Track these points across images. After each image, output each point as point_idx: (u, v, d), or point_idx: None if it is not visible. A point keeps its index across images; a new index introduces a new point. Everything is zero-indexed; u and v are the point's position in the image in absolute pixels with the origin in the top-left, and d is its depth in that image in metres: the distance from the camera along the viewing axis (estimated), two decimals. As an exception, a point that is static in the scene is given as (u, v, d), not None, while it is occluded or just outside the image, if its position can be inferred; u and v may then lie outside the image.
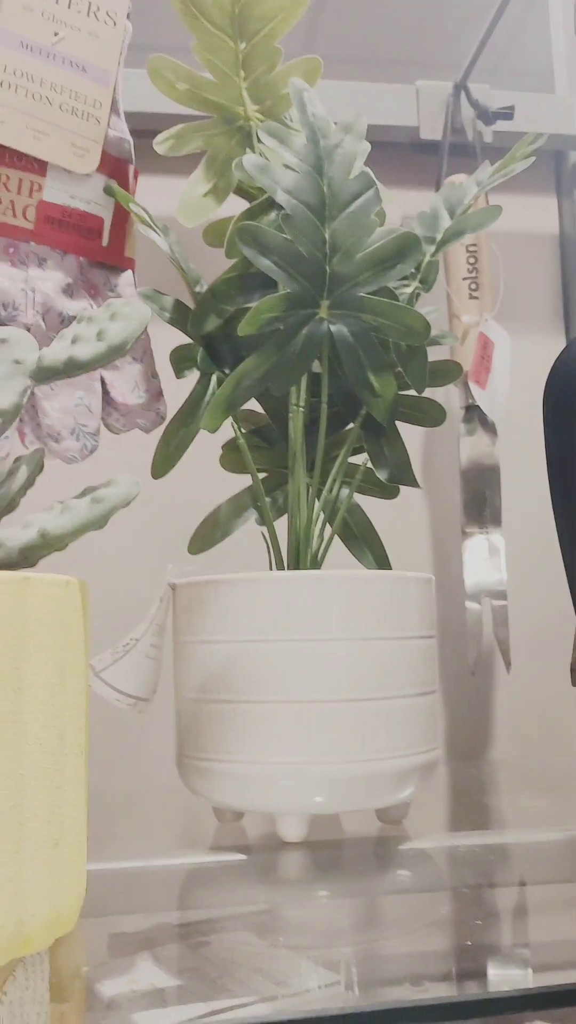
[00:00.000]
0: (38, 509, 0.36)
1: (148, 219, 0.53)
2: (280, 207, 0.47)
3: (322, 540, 0.52)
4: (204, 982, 0.37)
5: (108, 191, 0.55)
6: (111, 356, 0.36)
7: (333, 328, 0.48)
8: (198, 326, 0.52)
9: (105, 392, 0.56)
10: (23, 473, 0.37)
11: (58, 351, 0.36)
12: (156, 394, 0.57)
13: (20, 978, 0.31)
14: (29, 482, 0.38)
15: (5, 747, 0.29)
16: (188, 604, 0.50)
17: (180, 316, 0.53)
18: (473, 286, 0.69)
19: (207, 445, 0.56)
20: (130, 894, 0.46)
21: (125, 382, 0.56)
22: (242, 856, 0.49)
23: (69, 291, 0.55)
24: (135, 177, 0.58)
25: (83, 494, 0.35)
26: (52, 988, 0.33)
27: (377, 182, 0.47)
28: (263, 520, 0.53)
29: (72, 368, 0.36)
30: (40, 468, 0.39)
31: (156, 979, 0.38)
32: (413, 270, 0.48)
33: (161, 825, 0.61)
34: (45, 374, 0.36)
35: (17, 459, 0.38)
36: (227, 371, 0.53)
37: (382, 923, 0.43)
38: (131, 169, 0.57)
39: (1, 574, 0.30)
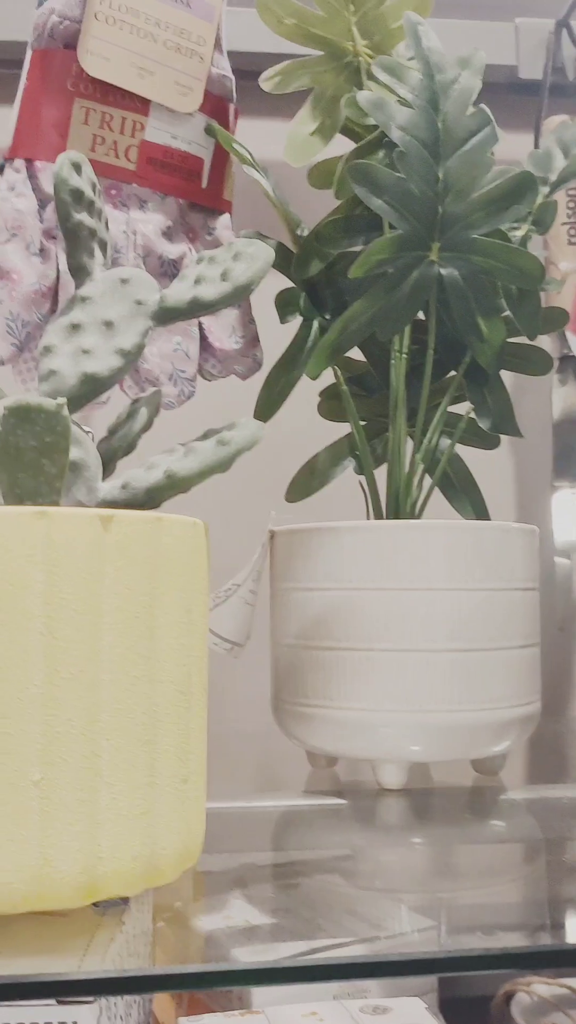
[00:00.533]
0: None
1: (251, 159, 0.52)
2: (393, 144, 0.45)
3: (420, 490, 0.52)
4: (299, 921, 0.38)
5: (210, 131, 0.54)
6: (236, 297, 0.35)
7: (443, 271, 0.47)
8: (301, 270, 0.51)
9: (202, 337, 0.55)
10: (143, 414, 0.37)
11: (181, 291, 0.36)
12: (253, 340, 0.56)
13: (133, 910, 0.32)
14: (148, 424, 0.38)
15: (141, 684, 0.29)
16: (288, 551, 0.50)
17: (283, 260, 0.52)
18: (573, 232, 0.67)
19: (303, 392, 0.55)
20: (224, 834, 0.47)
21: (222, 327, 0.55)
22: (339, 800, 0.50)
23: (169, 234, 0.54)
24: (235, 117, 0.57)
25: (205, 436, 0.35)
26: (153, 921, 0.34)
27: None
28: (362, 469, 0.52)
29: (196, 309, 0.36)
30: (158, 410, 0.39)
31: (251, 916, 0.39)
32: (527, 212, 0.47)
33: (252, 768, 0.62)
34: (167, 315, 0.36)
35: (136, 400, 0.38)
36: (328, 316, 0.52)
37: (477, 871, 0.43)
38: (231, 108, 0.56)
39: (136, 513, 0.30)
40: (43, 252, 0.51)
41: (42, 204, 0.52)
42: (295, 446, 0.58)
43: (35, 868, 0.27)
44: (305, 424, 0.57)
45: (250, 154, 0.53)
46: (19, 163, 0.53)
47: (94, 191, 0.37)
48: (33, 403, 0.30)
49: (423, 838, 0.46)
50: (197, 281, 0.36)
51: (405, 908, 0.40)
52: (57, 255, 0.51)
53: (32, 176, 0.53)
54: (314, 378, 0.49)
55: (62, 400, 0.30)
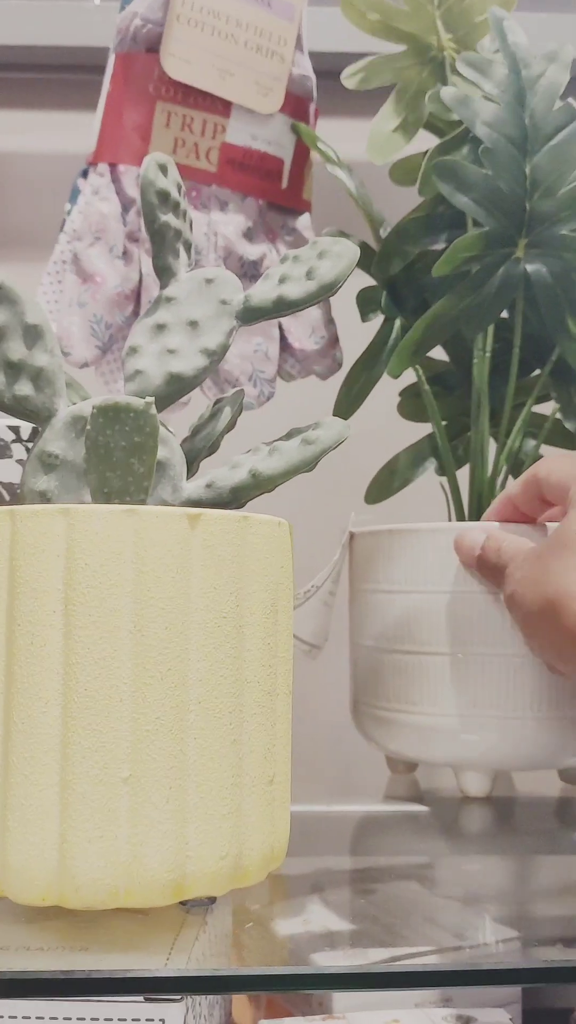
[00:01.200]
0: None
1: (335, 157, 0.52)
2: (478, 141, 0.45)
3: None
4: (378, 927, 0.37)
5: (295, 129, 0.54)
6: (321, 295, 0.35)
7: (530, 268, 0.46)
8: (383, 268, 0.51)
9: (282, 338, 0.55)
10: (226, 414, 0.37)
11: (266, 290, 0.36)
12: (333, 340, 0.56)
13: (215, 910, 0.32)
14: (231, 424, 0.38)
15: (228, 683, 0.29)
16: (368, 553, 0.49)
17: (364, 258, 0.51)
18: None
19: (382, 391, 0.55)
20: (303, 838, 0.47)
21: (302, 327, 0.55)
22: (419, 807, 0.49)
23: (249, 235, 0.54)
24: (315, 117, 0.57)
25: (289, 436, 0.35)
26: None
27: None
28: (443, 470, 0.52)
29: (281, 308, 0.35)
30: (240, 410, 0.38)
31: (329, 922, 0.38)
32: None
33: (331, 771, 0.62)
34: (252, 314, 0.36)
35: (218, 400, 0.38)
36: (410, 315, 0.52)
37: (561, 883, 0.42)
38: (312, 108, 0.56)
39: (223, 512, 0.30)
40: (126, 255, 0.52)
41: (125, 208, 0.53)
42: (373, 447, 0.57)
43: (125, 865, 0.27)
44: (384, 424, 0.57)
45: (335, 153, 0.53)
46: (103, 167, 0.53)
47: (179, 192, 0.38)
48: (122, 403, 0.30)
49: (505, 848, 0.45)
50: (282, 280, 0.36)
51: (487, 918, 0.39)
52: (140, 258, 0.52)
53: (115, 180, 0.53)
54: (396, 377, 0.49)
55: (150, 399, 0.30)
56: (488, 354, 0.49)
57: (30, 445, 0.44)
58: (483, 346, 0.49)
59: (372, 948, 0.46)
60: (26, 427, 0.42)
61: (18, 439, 0.43)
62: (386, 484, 0.54)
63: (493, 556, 0.43)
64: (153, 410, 0.30)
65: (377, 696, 0.48)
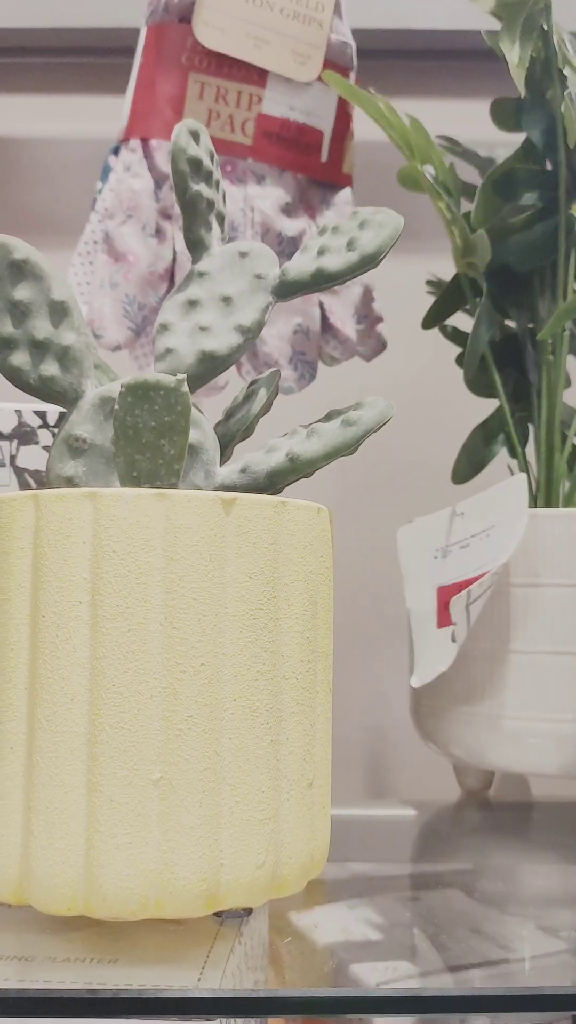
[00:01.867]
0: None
1: (382, 109, 0.49)
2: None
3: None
4: (420, 938, 0.35)
5: (330, 80, 0.50)
6: (363, 266, 0.33)
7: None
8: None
9: (323, 319, 0.53)
10: (261, 396, 0.35)
11: (304, 263, 0.34)
12: (376, 320, 0.54)
13: (251, 920, 0.30)
14: (267, 406, 0.36)
15: (265, 679, 0.27)
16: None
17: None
18: None
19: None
20: (344, 842, 0.45)
21: (345, 308, 0.53)
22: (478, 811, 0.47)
23: (288, 210, 0.52)
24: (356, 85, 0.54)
25: (328, 417, 0.33)
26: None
27: None
28: (512, 451, 0.49)
29: (320, 281, 0.33)
30: (276, 392, 0.36)
31: (370, 932, 0.36)
32: None
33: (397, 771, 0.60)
34: (289, 289, 0.34)
35: (254, 381, 0.36)
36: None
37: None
38: (352, 77, 0.54)
39: (259, 497, 0.28)
40: (159, 233, 0.50)
41: (158, 184, 0.51)
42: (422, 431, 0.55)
43: (156, 873, 0.25)
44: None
45: (384, 102, 0.50)
46: (135, 143, 0.52)
47: (212, 161, 0.36)
48: (151, 380, 0.29)
49: (560, 856, 0.43)
50: (321, 252, 0.34)
51: (531, 929, 0.37)
52: (174, 236, 0.50)
53: (147, 156, 0.51)
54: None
55: (182, 376, 0.28)
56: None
57: (57, 430, 0.43)
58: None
59: (413, 962, 0.44)
60: (53, 412, 0.41)
61: (44, 425, 0.41)
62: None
63: None
64: (185, 388, 0.28)
65: (440, 696, 0.45)
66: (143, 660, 0.26)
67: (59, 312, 0.32)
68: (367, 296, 0.54)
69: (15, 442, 0.40)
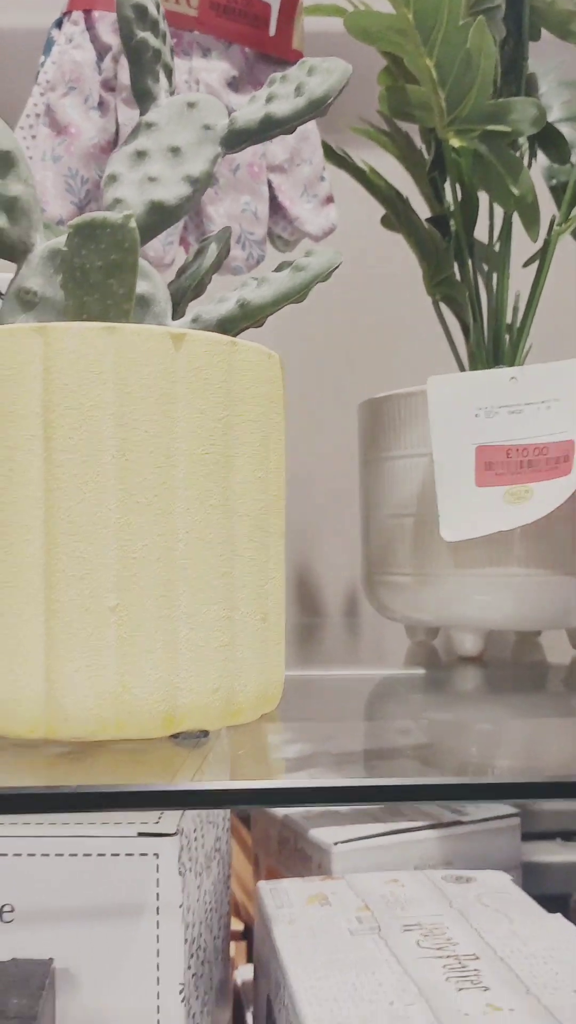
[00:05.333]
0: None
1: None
2: None
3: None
4: (378, 764, 0.36)
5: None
6: (310, 111, 0.33)
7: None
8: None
9: (272, 198, 0.53)
10: (212, 251, 0.35)
11: (252, 111, 0.33)
12: (326, 198, 0.54)
13: (211, 755, 0.31)
14: (218, 263, 0.36)
15: (217, 514, 0.28)
16: (380, 419, 0.48)
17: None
18: None
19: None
20: (295, 700, 0.46)
21: (293, 186, 0.53)
22: (421, 670, 0.48)
23: (235, 84, 0.51)
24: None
25: (280, 268, 0.33)
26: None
27: None
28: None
29: (268, 127, 0.33)
30: (228, 249, 0.36)
31: (328, 761, 0.38)
32: None
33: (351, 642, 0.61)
34: (238, 138, 0.34)
35: (205, 238, 0.36)
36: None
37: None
38: (299, -53, 0.52)
39: (210, 334, 0.29)
40: (102, 105, 0.49)
41: (100, 56, 0.49)
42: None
43: (115, 695, 0.26)
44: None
45: None
46: (77, 15, 0.50)
47: (158, 11, 0.35)
48: (98, 218, 0.28)
49: (504, 711, 0.45)
50: (268, 99, 0.33)
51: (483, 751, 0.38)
52: (116, 108, 0.49)
53: (90, 27, 0.50)
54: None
55: (129, 213, 0.28)
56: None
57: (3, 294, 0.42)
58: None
59: (369, 823, 0.45)
60: (3, 280, 0.40)
61: (-6, 290, 0.40)
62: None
63: None
64: (132, 224, 0.28)
65: (393, 564, 0.47)
66: (97, 491, 0.26)
67: (5, 163, 0.31)
68: (316, 173, 0.53)
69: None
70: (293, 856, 0.47)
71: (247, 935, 0.52)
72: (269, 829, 0.50)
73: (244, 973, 0.49)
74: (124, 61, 0.49)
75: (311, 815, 0.49)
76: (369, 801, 0.25)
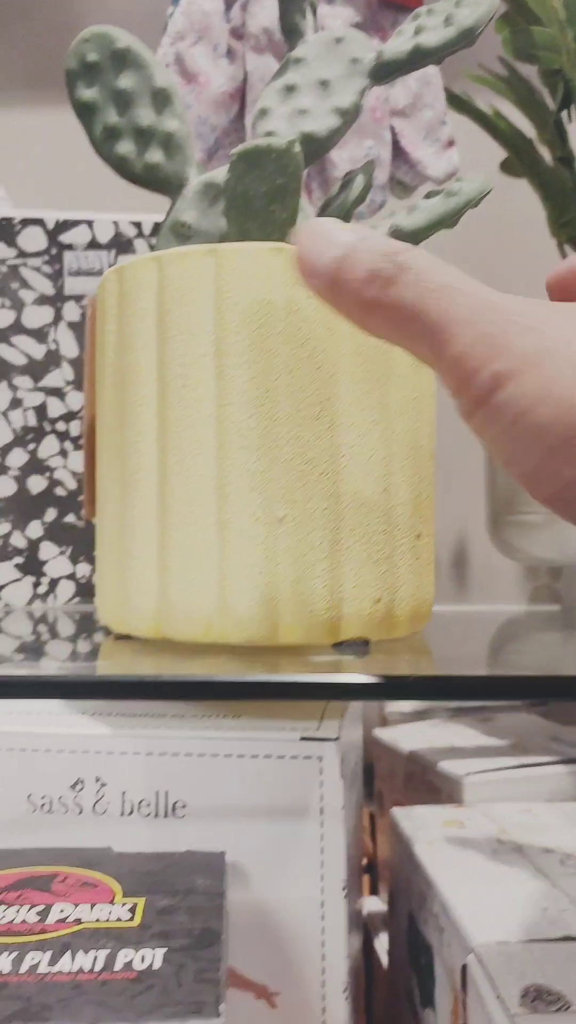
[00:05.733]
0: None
1: None
2: None
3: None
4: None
5: None
6: (460, 41, 0.33)
7: None
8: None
9: (394, 142, 0.53)
10: (359, 183, 0.36)
11: (400, 43, 0.34)
12: (447, 143, 0.54)
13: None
14: (363, 195, 0.36)
15: (378, 429, 0.29)
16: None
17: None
18: None
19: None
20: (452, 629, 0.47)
21: (415, 130, 0.53)
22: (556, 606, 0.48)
23: (358, 30, 0.52)
24: None
25: (429, 195, 0.33)
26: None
27: None
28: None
29: (417, 58, 0.33)
30: (371, 181, 0.37)
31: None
32: None
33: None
34: (386, 69, 0.34)
35: (349, 172, 0.37)
36: None
37: None
38: None
39: (371, 256, 0.29)
40: (230, 53, 0.50)
41: (228, 4, 0.50)
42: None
43: (284, 601, 0.27)
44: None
45: None
46: (202, -34, 0.51)
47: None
48: (262, 144, 0.29)
49: None
50: (417, 32, 0.34)
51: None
52: (244, 55, 0.50)
53: (216, -23, 0.51)
54: None
55: (293, 138, 0.29)
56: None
57: (153, 241, 0.43)
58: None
59: (496, 757, 0.46)
60: (148, 222, 0.42)
61: (140, 234, 0.42)
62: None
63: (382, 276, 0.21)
64: (297, 148, 0.29)
65: (523, 503, 0.47)
66: (268, 406, 0.28)
67: (162, 99, 0.32)
68: (438, 118, 0.53)
69: (113, 251, 0.41)
70: (420, 788, 0.48)
71: (369, 869, 0.53)
72: (395, 765, 0.51)
73: (369, 904, 0.50)
74: (252, 9, 0.50)
75: (437, 749, 0.50)
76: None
